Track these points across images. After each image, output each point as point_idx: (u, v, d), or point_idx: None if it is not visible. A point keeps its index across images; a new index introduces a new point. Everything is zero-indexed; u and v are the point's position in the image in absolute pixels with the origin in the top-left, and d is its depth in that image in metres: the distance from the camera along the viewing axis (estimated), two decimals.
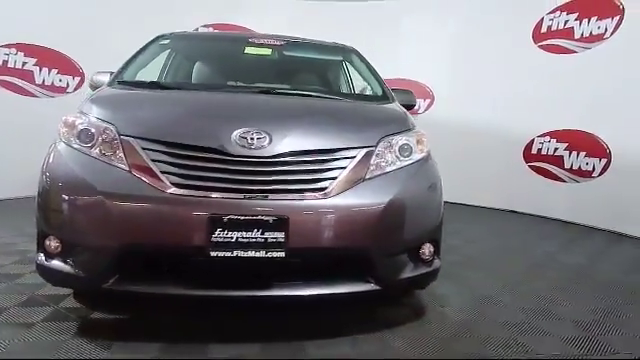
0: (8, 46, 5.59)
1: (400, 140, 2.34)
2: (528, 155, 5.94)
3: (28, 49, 5.74)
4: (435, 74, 6.68)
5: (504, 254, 4.02)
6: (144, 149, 2.06)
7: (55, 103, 5.98)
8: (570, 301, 2.87)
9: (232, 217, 1.93)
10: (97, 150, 2.12)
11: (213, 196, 1.98)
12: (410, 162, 2.32)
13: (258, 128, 2.12)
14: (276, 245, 1.95)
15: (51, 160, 2.19)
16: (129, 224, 1.96)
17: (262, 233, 1.95)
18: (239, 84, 3.16)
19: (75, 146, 2.16)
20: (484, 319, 2.54)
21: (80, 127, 2.20)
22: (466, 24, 6.42)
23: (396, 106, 2.80)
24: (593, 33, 5.27)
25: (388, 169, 2.24)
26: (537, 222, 5.52)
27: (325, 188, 2.07)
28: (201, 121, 2.21)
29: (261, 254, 1.95)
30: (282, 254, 1.95)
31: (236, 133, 2.09)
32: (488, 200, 6.04)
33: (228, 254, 1.93)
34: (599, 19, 5.20)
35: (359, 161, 2.17)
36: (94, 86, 3.13)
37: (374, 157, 2.22)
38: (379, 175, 2.20)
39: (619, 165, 4.99)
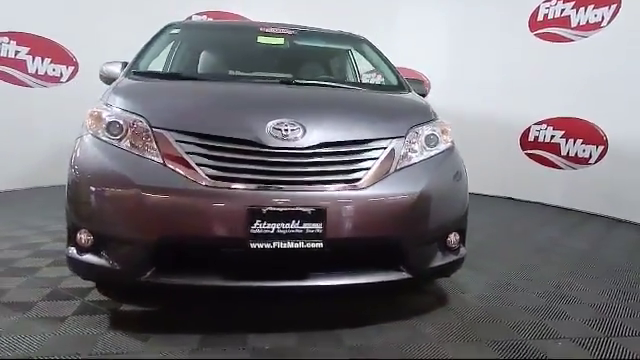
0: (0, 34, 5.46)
1: (426, 130, 2.37)
2: (525, 143, 6.03)
3: (20, 37, 5.61)
4: (431, 62, 6.70)
5: (509, 241, 4.10)
6: (178, 141, 2.05)
7: (49, 93, 5.86)
8: (582, 285, 2.95)
9: (271, 209, 1.94)
10: (127, 142, 2.11)
11: (250, 188, 1.99)
12: (437, 152, 2.35)
13: (291, 119, 2.12)
14: (314, 236, 1.97)
15: (80, 153, 2.16)
16: (168, 217, 1.95)
17: (300, 224, 1.96)
18: (258, 74, 3.14)
19: (104, 139, 2.14)
20: (506, 305, 2.60)
21: (108, 119, 2.18)
22: (463, 12, 6.46)
23: (416, 96, 2.82)
24: (590, 22, 5.35)
25: (416, 159, 2.26)
26: (535, 209, 5.63)
27: (359, 179, 2.09)
28: (234, 113, 2.20)
29: (300, 245, 1.96)
30: (320, 245, 1.97)
31: (270, 124, 2.09)
32: (485, 187, 6.13)
33: (267, 246, 1.94)
34: (596, 7, 5.28)
35: (390, 152, 2.19)
36: (105, 77, 3.08)
37: (403, 147, 2.25)
38: (409, 165, 2.22)
39: (616, 152, 5.10)
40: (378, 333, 2.19)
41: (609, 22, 5.16)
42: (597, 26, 5.28)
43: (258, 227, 1.93)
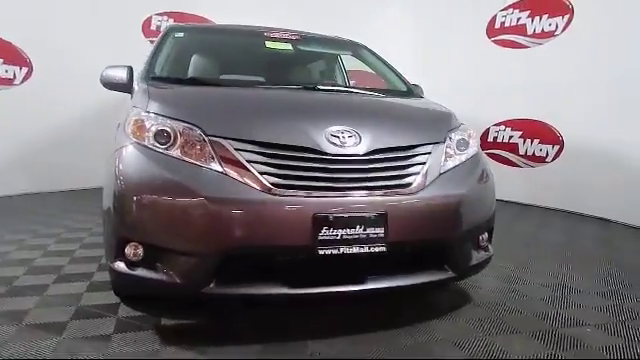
0: None
1: (457, 135, 2.49)
2: (484, 143, 6.38)
3: None
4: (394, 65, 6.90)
5: (495, 237, 4.33)
6: (237, 150, 2.02)
7: (1, 95, 5.45)
8: (578, 275, 3.20)
9: (337, 215, 1.97)
10: (177, 151, 2.05)
11: (314, 195, 2.00)
12: (468, 156, 2.47)
13: (347, 126, 2.16)
14: (377, 240, 2.02)
15: (127, 163, 2.08)
16: (235, 227, 1.92)
17: (364, 229, 2.00)
18: (273, 79, 3.13)
19: (153, 147, 2.07)
20: (521, 297, 2.78)
21: (155, 128, 2.11)
22: (425, 17, 6.72)
23: (434, 102, 2.94)
24: (544, 30, 5.75)
25: (452, 164, 2.37)
26: (499, 206, 5.91)
27: (411, 183, 2.16)
28: (290, 120, 2.20)
29: (365, 250, 2.00)
30: (383, 248, 2.03)
31: (327, 132, 2.12)
32: None
33: (335, 252, 1.97)
34: (550, 17, 5.69)
35: (434, 156, 2.29)
36: (107, 81, 2.97)
37: (443, 153, 2.35)
38: (450, 169, 2.33)
39: (571, 151, 5.53)
40: (428, 331, 2.28)
41: (563, 31, 5.58)
42: (551, 34, 5.69)
43: (325, 234, 1.96)
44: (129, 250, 2.03)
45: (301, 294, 2.04)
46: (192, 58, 3.10)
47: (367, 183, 2.09)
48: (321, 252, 1.95)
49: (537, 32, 5.83)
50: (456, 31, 6.46)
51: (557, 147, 5.67)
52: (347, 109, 2.45)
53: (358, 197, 2.05)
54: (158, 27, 6.69)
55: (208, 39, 3.41)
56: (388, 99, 2.88)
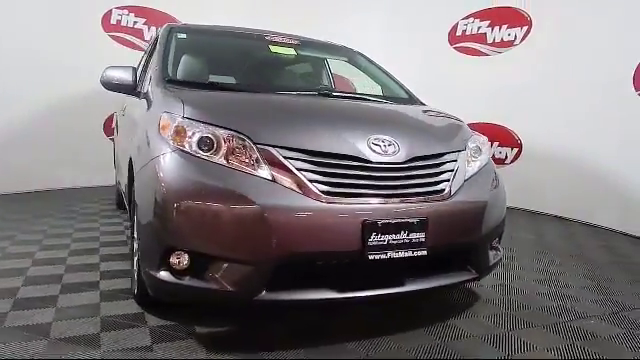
0: None
1: (472, 143, 2.64)
2: None
3: None
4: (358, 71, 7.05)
5: None
6: (286, 158, 2.05)
7: None
8: (562, 270, 3.48)
9: (385, 221, 2.05)
10: (222, 159, 2.05)
11: (361, 202, 2.07)
12: (482, 163, 2.63)
13: (386, 135, 2.24)
14: (418, 244, 2.12)
15: (170, 170, 2.04)
16: (290, 234, 1.95)
17: (408, 234, 2.10)
18: (282, 84, 3.15)
19: (197, 155, 2.05)
20: (522, 293, 2.99)
21: (198, 135, 2.09)
22: (388, 23, 6.92)
23: (440, 110, 3.08)
24: (504, 39, 6.12)
25: (472, 171, 2.52)
26: None
27: (444, 190, 2.28)
28: (334, 128, 2.24)
29: (409, 254, 2.10)
30: (424, 252, 2.13)
31: (370, 140, 2.19)
32: None
33: (383, 256, 2.04)
34: (509, 27, 6.06)
35: (459, 164, 2.42)
36: (109, 82, 2.88)
37: (465, 160, 2.49)
38: (472, 176, 2.47)
39: (529, 153, 5.92)
40: (452, 329, 2.41)
41: (521, 41, 5.96)
42: (510, 44, 6.06)
43: (374, 239, 2.03)
44: (175, 259, 2.01)
45: (349, 298, 2.10)
46: (200, 61, 3.06)
47: (408, 190, 2.18)
48: (371, 257, 2.02)
49: (497, 41, 6.18)
50: (418, 38, 6.71)
51: (516, 149, 6.05)
52: (383, 118, 2.54)
53: (401, 203, 2.14)
54: (118, 21, 6.44)
55: (213, 42, 3.36)
56: (408, 107, 2.99)
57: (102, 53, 6.14)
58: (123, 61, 6.35)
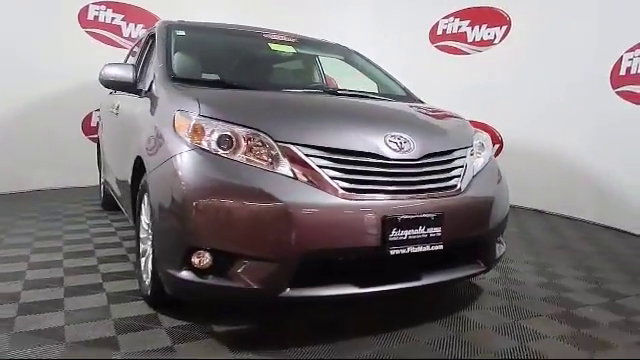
0: None
1: (476, 140, 2.71)
2: None
3: None
4: (339, 68, 7.09)
5: None
6: (307, 155, 2.06)
7: None
8: (553, 262, 3.60)
9: (404, 217, 2.09)
10: (242, 156, 2.05)
11: (380, 198, 2.11)
12: (486, 158, 2.70)
13: (401, 132, 2.28)
14: (435, 239, 2.17)
15: (190, 169, 2.03)
16: (314, 231, 1.97)
17: (425, 229, 2.15)
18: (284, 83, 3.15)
19: (217, 153, 2.05)
20: (521, 284, 3.09)
21: (217, 133, 2.08)
22: (369, 21, 6.99)
23: (441, 107, 3.15)
24: (484, 39, 6.26)
25: (479, 166, 2.59)
26: None
27: (456, 185, 2.34)
28: (352, 126, 2.27)
29: (427, 248, 2.15)
30: (441, 246, 2.18)
31: (386, 137, 2.22)
32: None
33: (403, 251, 2.09)
34: (489, 27, 6.20)
35: (467, 160, 2.48)
36: (108, 80, 2.85)
37: (472, 156, 2.56)
38: (479, 172, 2.54)
39: (510, 149, 6.09)
40: (463, 321, 2.48)
41: (501, 40, 6.11)
42: (490, 43, 6.21)
43: (394, 235, 2.07)
44: (197, 258, 2.00)
45: (370, 293, 2.13)
46: (202, 58, 3.03)
47: (423, 186, 2.23)
48: (392, 252, 2.06)
49: (477, 40, 6.33)
50: (400, 36, 6.80)
51: (497, 146, 6.20)
52: (396, 115, 2.58)
53: (418, 199, 2.18)
54: (96, 17, 6.28)
55: (214, 39, 3.32)
56: (413, 104, 3.03)
57: (79, 50, 6.02)
58: (102, 58, 6.28)
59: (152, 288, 2.35)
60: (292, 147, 2.07)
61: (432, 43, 6.70)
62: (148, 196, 2.33)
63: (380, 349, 2.12)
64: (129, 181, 2.79)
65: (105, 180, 4.51)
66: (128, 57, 4.74)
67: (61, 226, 4.12)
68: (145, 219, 2.54)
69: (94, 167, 5.40)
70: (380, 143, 2.20)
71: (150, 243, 2.40)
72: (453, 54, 6.53)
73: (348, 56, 3.75)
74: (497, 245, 2.66)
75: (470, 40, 6.38)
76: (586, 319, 2.56)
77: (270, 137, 2.08)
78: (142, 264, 2.57)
